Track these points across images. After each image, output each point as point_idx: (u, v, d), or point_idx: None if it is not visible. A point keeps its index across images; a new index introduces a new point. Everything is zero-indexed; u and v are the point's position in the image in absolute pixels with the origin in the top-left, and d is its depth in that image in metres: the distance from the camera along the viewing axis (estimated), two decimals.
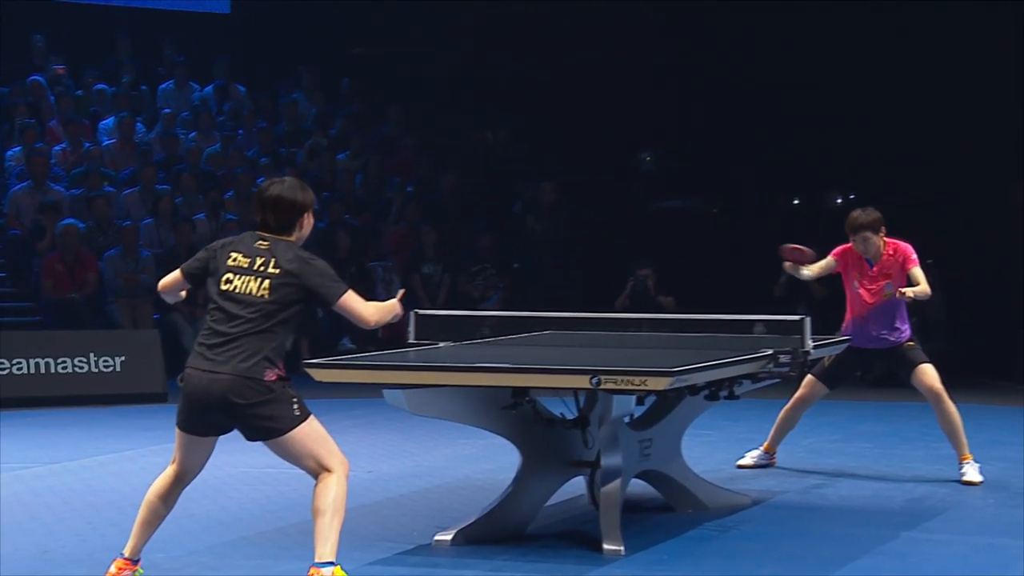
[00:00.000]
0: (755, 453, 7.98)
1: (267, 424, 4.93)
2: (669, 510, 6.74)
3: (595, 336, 7.26)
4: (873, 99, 13.90)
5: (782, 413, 7.90)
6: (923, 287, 7.39)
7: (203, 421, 5.02)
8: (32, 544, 6.05)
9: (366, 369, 5.99)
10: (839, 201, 13.70)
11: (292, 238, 5.09)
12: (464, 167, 15.75)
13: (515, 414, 6.14)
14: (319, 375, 5.87)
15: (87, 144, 14.45)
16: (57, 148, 14.38)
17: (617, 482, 5.99)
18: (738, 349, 6.34)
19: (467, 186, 15.50)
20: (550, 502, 6.44)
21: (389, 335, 13.20)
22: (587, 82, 15.07)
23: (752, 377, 6.34)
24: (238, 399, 4.89)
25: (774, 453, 7.97)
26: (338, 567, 4.90)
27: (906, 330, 7.62)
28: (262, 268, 4.99)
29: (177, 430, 5.10)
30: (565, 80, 15.25)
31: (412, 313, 6.87)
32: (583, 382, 5.58)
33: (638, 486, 6.69)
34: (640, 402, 6.01)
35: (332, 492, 4.92)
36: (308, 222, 5.13)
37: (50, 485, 7.52)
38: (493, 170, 16.06)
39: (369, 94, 16.53)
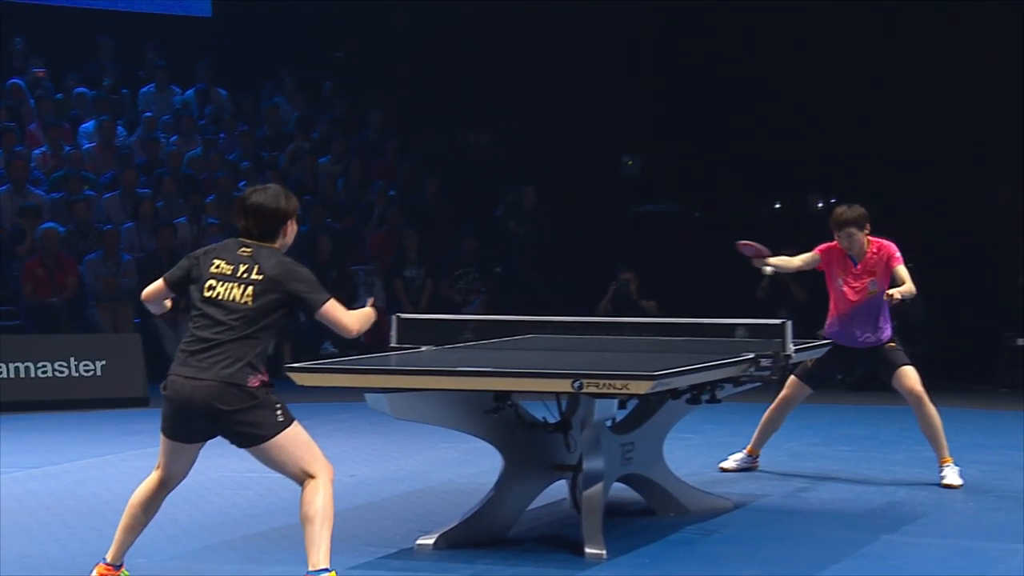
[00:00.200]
0: (738, 456, 8.00)
1: (250, 430, 4.93)
2: (651, 514, 6.75)
3: (577, 340, 7.27)
4: (854, 103, 13.95)
5: (766, 415, 7.92)
6: (909, 286, 7.42)
7: (187, 428, 5.01)
8: (13, 549, 6.02)
9: (348, 373, 5.99)
10: (820, 205, 13.74)
11: (275, 245, 5.09)
12: (446, 171, 15.75)
13: (497, 418, 6.14)
14: (301, 379, 5.86)
15: (67, 148, 14.40)
16: (37, 152, 14.32)
17: (599, 486, 5.99)
18: (720, 353, 6.35)
19: (449, 190, 15.50)
20: (532, 506, 6.44)
21: (371, 339, 13.19)
22: (569, 86, 15.09)
23: (734, 381, 6.35)
24: (222, 406, 4.88)
25: (757, 456, 7.99)
26: (333, 572, 4.91)
27: (888, 329, 7.65)
28: (245, 275, 4.99)
29: (162, 436, 5.09)
30: (547, 84, 15.27)
31: (394, 317, 6.88)
32: (565, 386, 5.59)
33: (620, 490, 6.70)
34: (622, 406, 6.01)
35: (319, 498, 4.91)
36: (292, 229, 5.13)
37: (31, 490, 7.49)
38: (475, 174, 16.07)
39: (351, 98, 16.52)
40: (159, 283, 5.19)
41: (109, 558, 5.19)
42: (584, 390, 5.53)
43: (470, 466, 8.03)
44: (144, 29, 16.19)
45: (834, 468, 8.11)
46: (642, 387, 5.53)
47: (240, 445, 5.01)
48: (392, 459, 8.53)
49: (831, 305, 7.69)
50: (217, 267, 5.03)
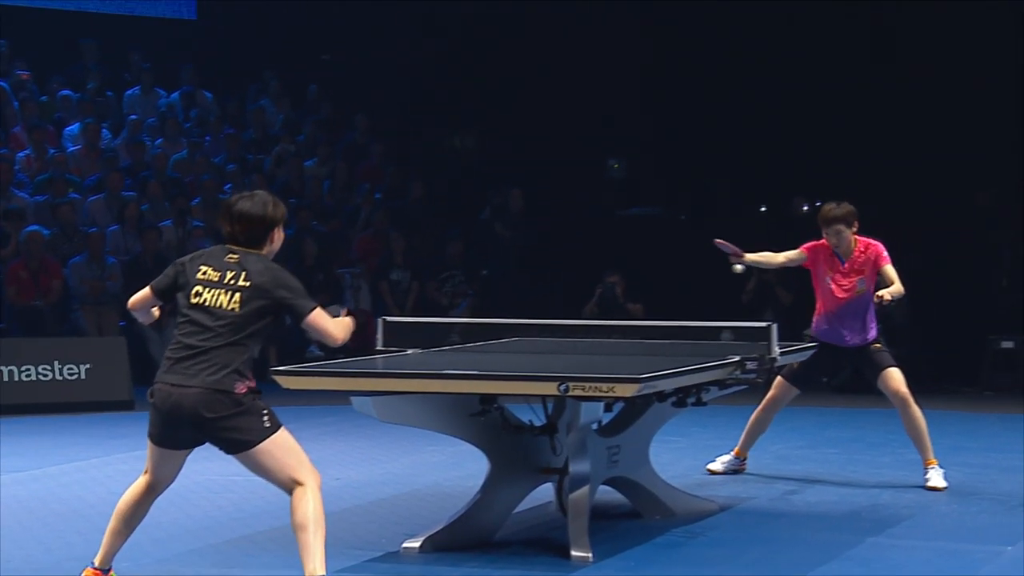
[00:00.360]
0: (725, 458, 8.00)
1: (237, 436, 4.92)
2: (637, 516, 6.76)
3: (563, 343, 7.27)
4: (839, 106, 13.98)
5: (753, 416, 7.92)
6: (898, 286, 7.44)
7: (175, 435, 5.01)
8: None
9: (334, 376, 5.98)
10: (806, 208, 13.77)
11: (262, 251, 5.08)
12: (432, 174, 15.75)
13: (483, 421, 6.14)
14: (287, 382, 5.86)
15: (52, 150, 14.35)
16: (21, 154, 14.26)
17: (585, 489, 6.00)
18: (705, 356, 6.36)
19: (435, 193, 15.50)
20: (518, 509, 6.44)
21: (357, 342, 13.18)
22: (555, 89, 15.10)
23: (719, 383, 6.36)
24: (208, 413, 4.87)
25: (745, 458, 7.99)
26: None
27: (874, 330, 7.67)
28: (232, 281, 4.98)
29: (149, 442, 5.08)
30: (533, 87, 15.28)
31: (380, 320, 6.88)
32: (551, 389, 5.59)
33: (606, 493, 6.70)
34: (608, 409, 6.02)
35: (310, 505, 4.91)
36: (278, 236, 5.13)
37: (15, 494, 7.45)
38: (461, 177, 16.06)
39: (337, 100, 16.50)
40: (145, 291, 5.17)
41: (97, 562, 5.19)
42: (570, 393, 5.54)
43: (456, 469, 8.03)
44: (128, 32, 16.15)
45: (820, 471, 8.13)
46: (628, 390, 5.54)
47: (228, 451, 5.00)
48: (378, 462, 8.53)
49: (818, 304, 7.69)
50: (204, 273, 5.02)
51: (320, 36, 16.53)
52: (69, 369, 11.29)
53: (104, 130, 14.96)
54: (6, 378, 11.06)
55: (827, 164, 13.74)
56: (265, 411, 4.96)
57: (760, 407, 7.90)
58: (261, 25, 16.17)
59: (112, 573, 5.21)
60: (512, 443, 6.27)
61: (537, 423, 6.29)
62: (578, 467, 6.03)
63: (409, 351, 6.77)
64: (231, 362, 4.90)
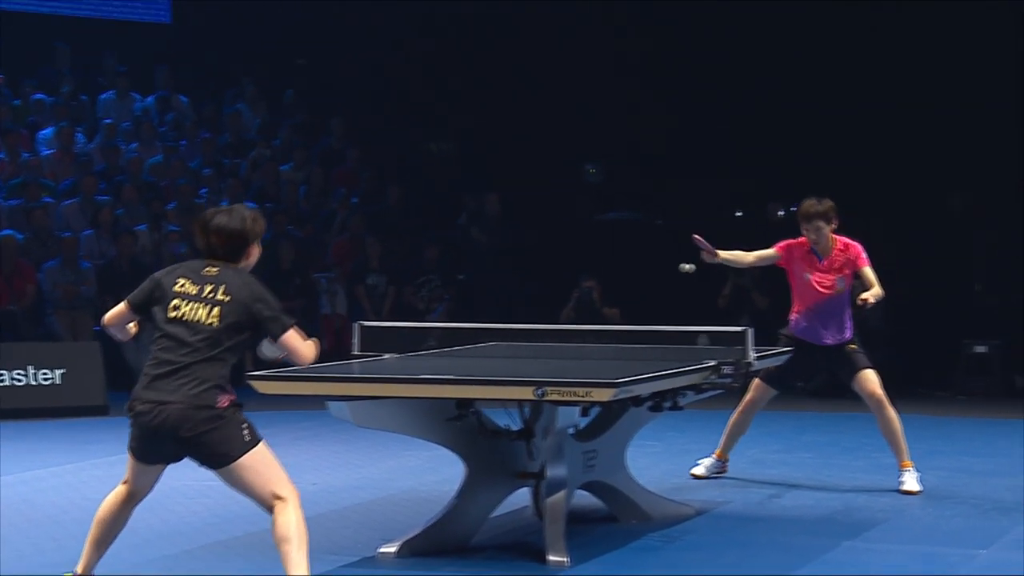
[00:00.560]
0: (707, 462, 8.01)
1: (218, 450, 4.90)
2: (614, 521, 6.77)
3: (540, 348, 7.28)
4: (812, 111, 14.03)
5: (732, 418, 7.94)
6: (877, 289, 7.46)
7: (157, 450, 4.99)
8: None
9: (310, 381, 5.96)
10: (781, 213, 13.83)
11: (239, 265, 5.06)
12: (409, 178, 15.74)
13: (460, 426, 6.14)
14: (263, 387, 5.84)
15: (25, 154, 14.28)
16: None
17: (562, 493, 6.00)
18: (682, 360, 6.38)
19: (412, 197, 15.49)
20: (495, 514, 6.44)
21: (333, 347, 13.17)
22: (532, 94, 15.12)
23: (695, 388, 6.38)
24: (189, 428, 4.85)
25: (727, 460, 8.00)
26: None
27: (850, 329, 7.69)
28: (211, 295, 4.95)
29: (129, 455, 5.06)
30: (510, 92, 15.29)
31: (356, 325, 6.87)
32: (528, 393, 5.59)
33: (583, 497, 6.71)
34: (585, 413, 6.03)
35: (292, 518, 4.90)
36: (255, 250, 5.11)
37: None
38: (438, 181, 16.06)
39: (313, 105, 16.47)
40: (122, 306, 5.13)
41: (79, 570, 5.17)
42: (547, 398, 5.54)
43: (433, 474, 8.02)
44: (103, 35, 16.08)
45: (796, 475, 8.15)
46: (604, 394, 5.55)
47: (208, 466, 4.98)
48: (354, 467, 8.51)
49: (796, 302, 7.68)
50: (181, 286, 4.99)
51: (296, 40, 16.50)
52: (44, 374, 11.23)
53: (78, 134, 14.89)
54: None
55: (802, 169, 13.79)
56: (245, 424, 4.94)
57: (739, 409, 7.91)
58: (237, 29, 16.13)
59: None
60: (489, 448, 6.27)
61: (514, 428, 6.29)
62: (555, 471, 6.04)
63: (386, 356, 6.76)
64: (211, 376, 4.88)
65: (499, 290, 13.91)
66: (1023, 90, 13.34)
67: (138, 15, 16.54)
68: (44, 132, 14.79)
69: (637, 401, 6.20)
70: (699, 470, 7.98)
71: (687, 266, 7.64)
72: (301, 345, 5.02)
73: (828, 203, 7.56)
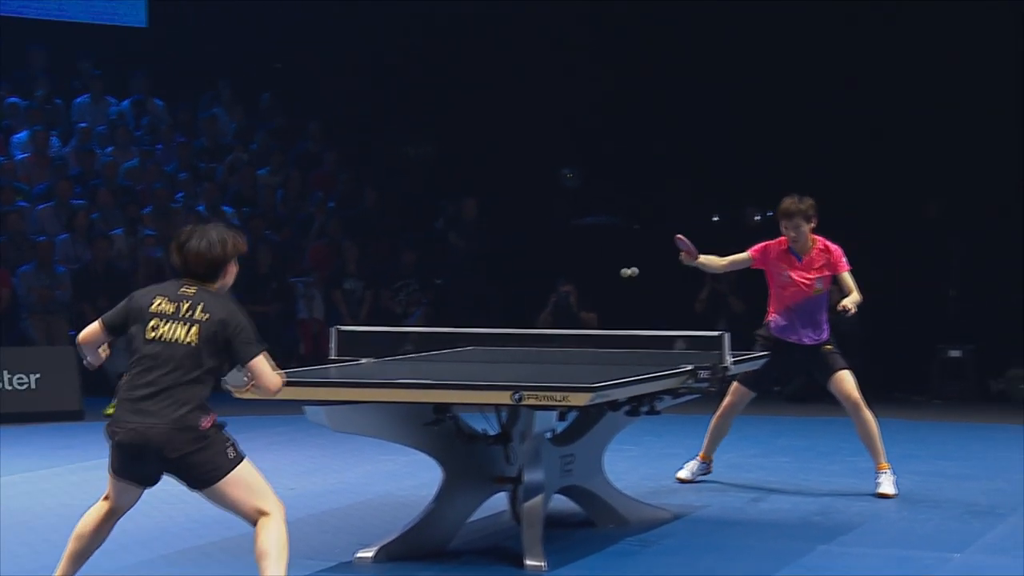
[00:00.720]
0: (692, 465, 8.00)
1: (203, 471, 4.87)
2: (591, 525, 6.77)
3: (517, 352, 7.28)
4: (790, 116, 14.09)
5: (713, 421, 7.94)
6: (857, 295, 7.50)
7: (140, 472, 4.97)
8: None
9: (287, 386, 5.93)
10: (757, 218, 13.88)
11: (215, 286, 5.03)
12: (386, 183, 15.72)
13: (437, 430, 6.13)
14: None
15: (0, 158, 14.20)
16: None
17: (539, 498, 6.00)
18: (659, 365, 6.39)
19: (389, 202, 15.47)
20: (472, 518, 6.44)
21: (311, 351, 13.13)
22: (509, 98, 15.12)
23: (672, 392, 6.39)
24: (173, 450, 4.82)
25: (711, 461, 8.01)
26: None
27: (827, 330, 7.72)
28: (189, 314, 4.92)
29: (111, 474, 5.02)
30: (487, 96, 15.29)
31: (334, 329, 6.85)
32: (505, 398, 5.60)
33: (560, 502, 6.71)
34: (562, 418, 6.03)
35: (274, 534, 4.88)
36: (232, 271, 5.06)
37: None
38: (415, 186, 16.05)
39: (290, 109, 16.43)
40: (95, 325, 5.09)
41: None
42: (524, 402, 5.54)
43: (410, 478, 8.01)
44: (78, 38, 15.98)
45: (772, 479, 8.18)
46: (581, 399, 5.55)
47: (194, 487, 4.95)
48: (332, 472, 8.49)
49: (773, 303, 7.68)
50: (158, 306, 4.95)
51: (273, 44, 16.46)
52: (19, 379, 11.16)
53: (53, 138, 14.81)
54: None
55: (779, 174, 13.82)
56: (229, 442, 4.92)
57: (719, 412, 7.92)
58: (213, 33, 16.07)
59: None
60: (466, 452, 6.27)
61: (491, 432, 6.29)
62: (532, 476, 6.04)
63: (363, 360, 6.75)
64: (192, 398, 4.85)
65: (476, 294, 13.91)
66: (1001, 97, 13.42)
67: (113, 18, 16.46)
68: (19, 136, 14.70)
69: (614, 405, 6.21)
70: (684, 473, 7.98)
71: (628, 271, 7.61)
72: (269, 373, 4.96)
73: (808, 201, 7.59)
